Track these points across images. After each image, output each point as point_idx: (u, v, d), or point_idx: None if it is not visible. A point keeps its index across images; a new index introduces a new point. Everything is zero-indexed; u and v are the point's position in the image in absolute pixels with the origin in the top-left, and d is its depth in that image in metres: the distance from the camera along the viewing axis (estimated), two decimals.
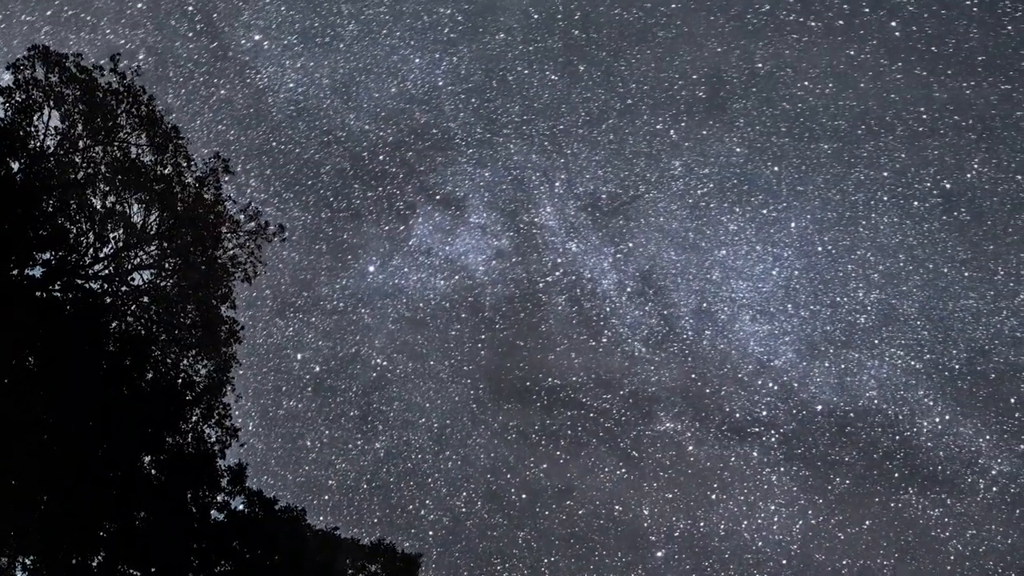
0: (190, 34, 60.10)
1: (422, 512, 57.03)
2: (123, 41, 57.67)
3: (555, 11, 60.73)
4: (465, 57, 61.18)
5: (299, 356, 59.28)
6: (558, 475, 58.29)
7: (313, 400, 58.64)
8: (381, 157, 61.43)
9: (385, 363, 59.72)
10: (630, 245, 60.45)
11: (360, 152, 61.42)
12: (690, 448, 58.28)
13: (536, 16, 60.81)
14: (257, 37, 60.67)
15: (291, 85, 60.87)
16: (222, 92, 59.90)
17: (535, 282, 61.08)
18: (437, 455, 58.49)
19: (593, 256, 61.00)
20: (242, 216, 28.61)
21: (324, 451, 57.95)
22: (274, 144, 60.43)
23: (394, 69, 61.36)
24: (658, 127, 60.16)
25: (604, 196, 60.87)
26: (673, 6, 59.78)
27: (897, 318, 56.96)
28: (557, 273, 60.83)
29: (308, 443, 57.64)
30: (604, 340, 60.15)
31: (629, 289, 60.63)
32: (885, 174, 57.45)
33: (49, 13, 58.35)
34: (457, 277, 61.11)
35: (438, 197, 61.67)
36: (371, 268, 60.88)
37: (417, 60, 61.23)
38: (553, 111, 61.39)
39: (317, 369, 59.20)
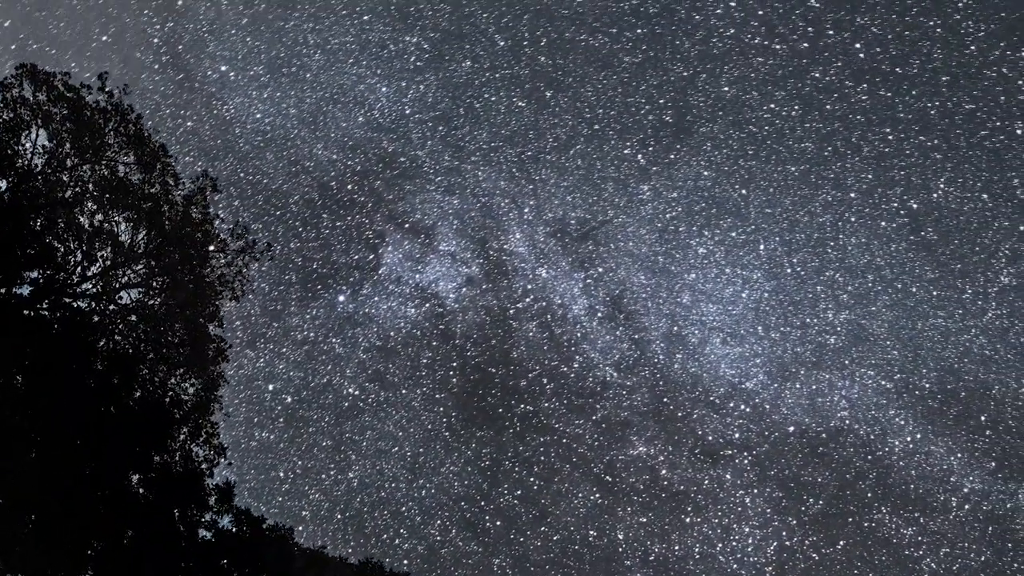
0: (156, 66, 60.26)
1: (396, 541, 56.79)
2: (88, 74, 57.58)
3: (521, 38, 61.39)
4: (432, 85, 61.62)
5: (270, 387, 59.04)
6: (532, 501, 58.26)
7: (285, 431, 58.38)
8: (349, 186, 61.57)
9: (357, 392, 59.58)
10: (600, 270, 60.87)
11: (328, 182, 61.57)
12: (663, 472, 58.44)
13: (502, 43, 61.44)
14: (223, 68, 60.85)
15: (258, 116, 61.01)
16: (189, 124, 59.97)
17: (505, 309, 61.29)
18: (411, 484, 58.33)
19: (563, 282, 61.32)
20: (230, 235, 28.73)
21: (297, 482, 57.64)
22: (242, 175, 60.45)
23: (361, 98, 61.70)
24: (626, 152, 60.80)
25: (573, 222, 61.31)
26: (639, 31, 60.65)
27: (867, 338, 57.71)
28: (528, 299, 61.08)
29: (281, 474, 57.33)
30: (575, 366, 60.37)
31: (600, 314, 60.95)
32: (852, 195, 58.40)
33: (14, 47, 58.41)
34: (427, 305, 61.21)
35: (407, 225, 61.86)
36: (341, 298, 60.85)
37: (384, 89, 61.63)
38: (521, 137, 61.85)
39: (289, 400, 58.94)
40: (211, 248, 28.22)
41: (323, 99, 61.42)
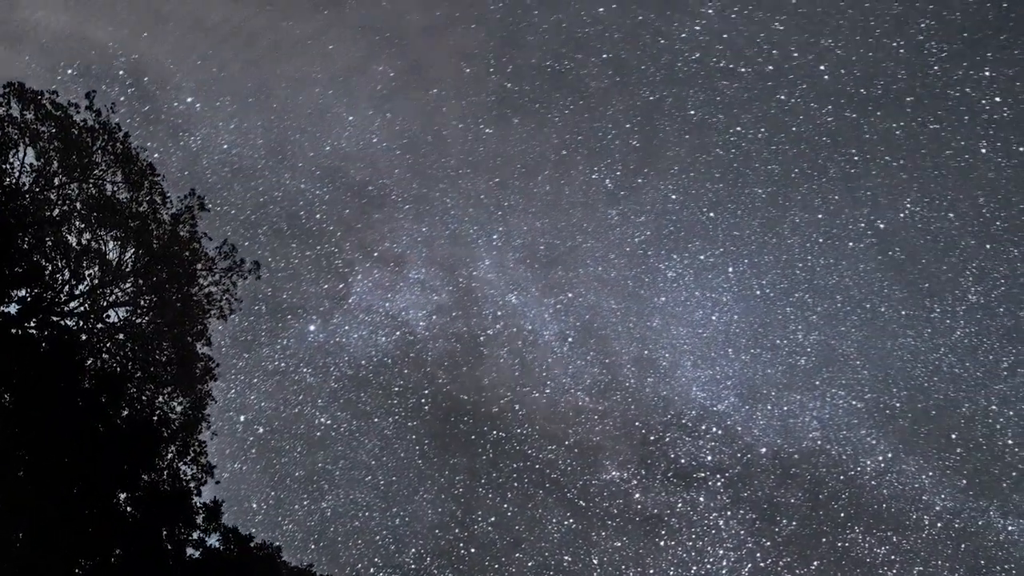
0: (122, 98, 59.91)
1: (371, 570, 56.27)
2: None
3: (487, 64, 61.81)
4: (399, 113, 61.89)
5: (242, 418, 58.49)
6: (506, 528, 58.10)
7: (258, 462, 57.91)
8: (318, 216, 61.39)
9: (329, 422, 59.20)
10: (570, 295, 61.00)
11: (297, 211, 61.39)
12: (637, 495, 58.44)
13: (468, 70, 61.84)
14: (189, 99, 60.67)
15: (225, 146, 60.75)
16: (155, 156, 59.53)
17: (476, 336, 61.22)
18: (384, 512, 57.89)
19: (533, 307, 61.32)
20: (217, 253, 28.82)
21: (270, 513, 57.04)
22: (210, 207, 60.03)
23: (328, 127, 61.80)
24: (593, 177, 61.17)
25: (542, 247, 61.44)
26: (604, 56, 61.33)
27: (837, 359, 58.25)
28: (498, 326, 61.07)
29: (254, 505, 56.75)
30: (547, 391, 60.36)
31: (570, 339, 60.96)
32: (820, 216, 59.08)
33: None
34: (398, 333, 60.99)
35: (376, 254, 61.71)
36: (311, 327, 60.55)
37: (351, 118, 61.78)
38: (488, 164, 62.18)
39: (261, 430, 58.42)
40: (199, 267, 28.30)
41: (290, 128, 61.43)
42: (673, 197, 60.24)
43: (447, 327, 60.81)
